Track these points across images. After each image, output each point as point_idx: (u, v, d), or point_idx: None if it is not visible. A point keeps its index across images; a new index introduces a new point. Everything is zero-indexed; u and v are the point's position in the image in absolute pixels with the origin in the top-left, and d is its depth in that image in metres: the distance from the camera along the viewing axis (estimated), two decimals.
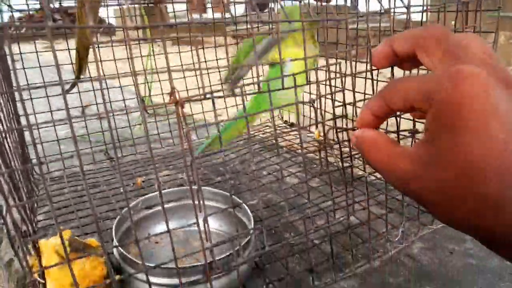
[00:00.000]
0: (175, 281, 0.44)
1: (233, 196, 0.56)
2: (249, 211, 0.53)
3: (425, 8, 0.54)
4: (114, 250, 0.48)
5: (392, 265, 0.55)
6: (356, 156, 0.53)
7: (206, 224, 0.40)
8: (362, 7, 0.86)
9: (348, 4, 0.51)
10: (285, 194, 0.73)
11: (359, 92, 0.61)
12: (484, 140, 0.22)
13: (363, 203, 0.64)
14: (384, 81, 0.62)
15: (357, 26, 0.80)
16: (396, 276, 0.53)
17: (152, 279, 0.43)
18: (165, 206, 0.58)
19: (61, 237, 0.35)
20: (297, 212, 0.68)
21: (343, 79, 0.46)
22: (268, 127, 1.10)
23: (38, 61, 0.84)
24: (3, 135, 0.54)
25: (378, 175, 0.78)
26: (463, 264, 0.55)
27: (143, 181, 0.80)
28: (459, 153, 0.23)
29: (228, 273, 0.47)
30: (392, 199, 0.69)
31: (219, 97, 0.43)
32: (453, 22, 0.61)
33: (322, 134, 0.45)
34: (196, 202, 0.40)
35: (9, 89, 0.68)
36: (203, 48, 1.04)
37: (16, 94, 0.65)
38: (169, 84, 0.37)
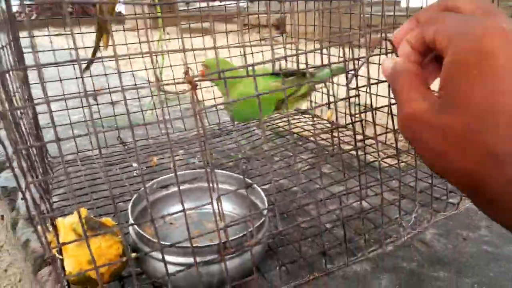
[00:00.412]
0: (189, 260, 0.44)
1: (245, 178, 0.56)
2: (262, 193, 0.53)
3: None
4: (130, 229, 0.48)
5: (405, 250, 0.55)
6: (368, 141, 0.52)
7: (219, 204, 0.41)
8: None
9: None
10: (298, 179, 0.73)
11: (373, 79, 0.61)
12: (509, 88, 0.22)
13: (376, 188, 0.64)
14: None
15: (371, 11, 0.79)
16: (409, 261, 0.53)
17: (167, 258, 0.43)
18: (181, 187, 0.58)
19: (79, 214, 0.36)
20: (308, 197, 0.68)
21: (356, 62, 0.46)
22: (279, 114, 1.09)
23: (51, 46, 0.85)
24: (20, 115, 0.55)
25: (390, 162, 0.78)
26: (477, 251, 0.55)
27: (156, 165, 0.80)
28: (475, 97, 0.23)
29: (241, 254, 0.47)
30: (405, 186, 0.69)
31: (233, 77, 0.43)
32: None
33: (334, 115, 0.45)
34: (210, 184, 0.40)
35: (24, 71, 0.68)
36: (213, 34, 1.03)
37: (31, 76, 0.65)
38: (184, 62, 0.37)
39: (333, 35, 0.72)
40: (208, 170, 0.41)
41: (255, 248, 0.47)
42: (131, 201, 0.52)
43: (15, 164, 0.33)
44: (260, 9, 1.08)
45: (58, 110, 0.84)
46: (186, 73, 0.38)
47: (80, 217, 0.37)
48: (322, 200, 0.50)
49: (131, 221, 0.49)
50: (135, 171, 0.79)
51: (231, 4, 1.10)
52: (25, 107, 0.48)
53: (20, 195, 0.75)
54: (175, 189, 0.59)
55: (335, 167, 0.77)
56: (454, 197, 0.65)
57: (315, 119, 1.09)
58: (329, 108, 0.43)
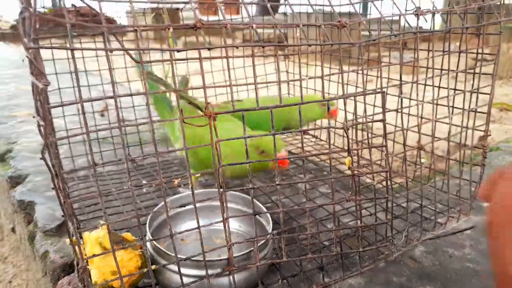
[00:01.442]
0: (202, 272, 0.49)
1: (254, 201, 0.61)
2: (269, 215, 0.59)
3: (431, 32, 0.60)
4: (148, 244, 0.53)
5: (395, 266, 0.60)
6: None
7: (227, 224, 0.46)
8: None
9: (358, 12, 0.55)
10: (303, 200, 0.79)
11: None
12: None
13: (371, 209, 0.70)
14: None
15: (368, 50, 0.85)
16: (400, 276, 0.58)
17: (182, 270, 0.48)
18: (189, 206, 0.64)
19: (108, 229, 0.41)
20: (309, 216, 0.73)
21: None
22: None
23: (53, 56, 0.85)
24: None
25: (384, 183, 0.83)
26: (462, 267, 0.60)
27: (178, 186, 0.82)
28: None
29: (248, 268, 0.52)
30: (397, 206, 0.74)
31: (248, 110, 0.48)
32: (457, 44, 0.66)
33: (352, 162, 0.50)
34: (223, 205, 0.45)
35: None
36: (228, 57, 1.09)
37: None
38: (204, 97, 0.42)
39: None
40: (221, 191, 0.46)
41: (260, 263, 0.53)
42: (149, 217, 0.57)
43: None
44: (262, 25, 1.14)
45: (73, 128, 0.89)
46: (206, 108, 0.43)
47: (109, 232, 0.43)
48: (318, 220, 0.56)
49: (149, 236, 0.54)
50: (145, 188, 0.84)
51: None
52: (64, 138, 0.53)
53: (36, 209, 0.79)
54: (186, 207, 0.64)
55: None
56: (442, 218, 0.70)
57: (314, 139, 1.14)
58: (349, 154, 0.48)
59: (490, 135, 0.69)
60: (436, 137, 0.63)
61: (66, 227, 0.41)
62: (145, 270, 0.47)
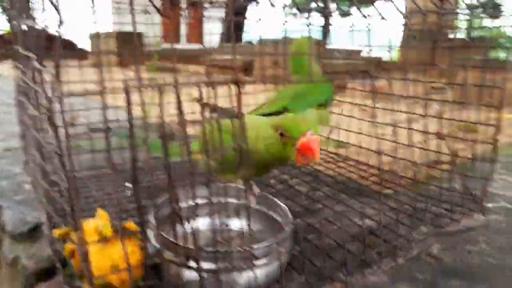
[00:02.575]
0: (215, 266, 0.43)
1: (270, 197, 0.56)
2: (288, 212, 0.53)
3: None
4: (152, 236, 0.46)
5: (416, 263, 0.56)
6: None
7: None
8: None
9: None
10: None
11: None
12: None
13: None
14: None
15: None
16: (423, 272, 0.54)
17: (191, 264, 0.42)
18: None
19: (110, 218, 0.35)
20: (332, 216, 0.68)
21: None
22: None
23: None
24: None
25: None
26: (482, 262, 0.57)
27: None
28: None
29: (268, 264, 0.46)
30: (410, 206, 0.71)
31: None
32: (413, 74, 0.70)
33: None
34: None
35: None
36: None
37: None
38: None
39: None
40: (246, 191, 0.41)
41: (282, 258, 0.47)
42: (153, 211, 0.50)
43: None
44: (228, 52, 1.12)
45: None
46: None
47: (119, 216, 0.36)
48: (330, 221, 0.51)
49: (154, 223, 0.47)
50: (129, 192, 0.76)
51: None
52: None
53: (4, 213, 0.69)
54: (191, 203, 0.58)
55: (333, 188, 0.79)
56: (456, 214, 0.68)
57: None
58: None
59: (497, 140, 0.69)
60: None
61: (48, 220, 0.33)
62: (146, 263, 0.40)
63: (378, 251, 0.56)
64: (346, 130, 0.94)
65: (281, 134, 0.55)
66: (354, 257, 0.55)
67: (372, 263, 0.54)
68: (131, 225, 0.45)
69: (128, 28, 0.46)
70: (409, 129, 0.68)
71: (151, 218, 0.48)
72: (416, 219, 0.66)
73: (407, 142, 0.68)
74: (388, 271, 0.54)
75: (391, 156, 0.71)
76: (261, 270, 0.46)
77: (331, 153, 1.04)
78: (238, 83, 0.40)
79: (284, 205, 0.55)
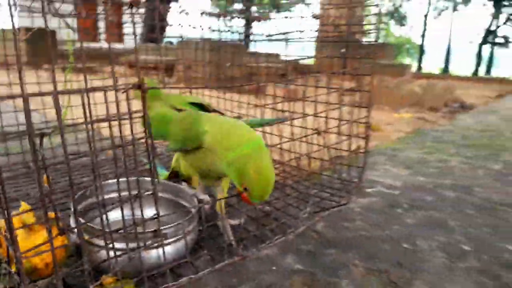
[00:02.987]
0: (131, 245, 0.50)
1: (179, 186, 0.65)
2: (195, 198, 0.62)
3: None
4: (72, 223, 0.53)
5: (302, 237, 0.68)
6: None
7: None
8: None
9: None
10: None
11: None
12: None
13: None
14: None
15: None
16: (307, 244, 0.66)
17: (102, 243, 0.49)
18: (112, 195, 0.64)
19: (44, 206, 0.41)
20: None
21: None
22: None
23: None
24: None
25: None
26: (356, 236, 0.70)
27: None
28: None
29: (176, 241, 0.55)
30: (301, 193, 0.83)
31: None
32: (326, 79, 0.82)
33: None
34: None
35: None
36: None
37: None
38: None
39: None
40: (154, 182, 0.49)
41: (188, 237, 0.56)
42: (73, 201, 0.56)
43: None
44: (150, 52, 1.17)
45: None
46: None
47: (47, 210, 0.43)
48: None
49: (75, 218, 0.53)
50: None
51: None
52: None
53: None
54: (109, 196, 0.64)
55: None
56: (338, 198, 0.81)
57: None
58: None
59: (369, 135, 0.83)
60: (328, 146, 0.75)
61: None
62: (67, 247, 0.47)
63: (270, 229, 0.67)
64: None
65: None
66: (251, 235, 0.66)
67: (266, 239, 0.65)
68: (51, 214, 0.51)
69: (39, 24, 0.49)
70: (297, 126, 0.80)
71: (71, 208, 0.54)
72: (305, 202, 0.78)
73: (304, 139, 0.79)
74: (279, 245, 0.65)
75: (290, 151, 0.84)
76: (170, 248, 0.54)
77: None
78: (142, 88, 0.48)
79: (191, 192, 0.64)
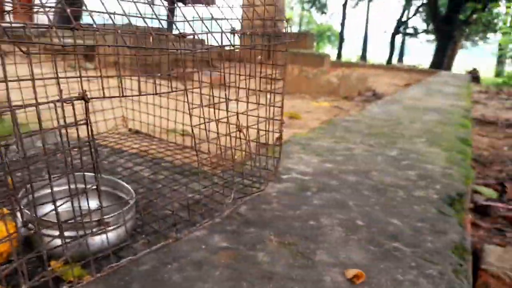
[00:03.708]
0: (75, 234, 0.58)
1: (113, 178, 0.73)
2: (132, 191, 0.71)
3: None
4: (19, 217, 0.59)
5: (228, 220, 0.80)
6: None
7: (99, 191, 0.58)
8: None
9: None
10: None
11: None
12: None
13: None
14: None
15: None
16: (231, 225, 0.78)
17: (55, 233, 0.56)
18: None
19: None
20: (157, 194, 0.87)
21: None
22: (115, 134, 1.24)
23: None
24: None
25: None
26: (272, 216, 0.83)
27: None
28: None
29: (117, 228, 0.63)
30: (226, 181, 0.95)
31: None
32: (259, 57, 0.91)
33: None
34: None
35: None
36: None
37: None
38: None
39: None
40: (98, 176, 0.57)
41: (127, 224, 0.65)
42: (20, 194, 0.62)
43: None
44: (66, 35, 1.15)
45: None
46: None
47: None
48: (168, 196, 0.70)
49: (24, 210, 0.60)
50: None
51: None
52: None
53: None
54: (46, 192, 0.70)
55: (172, 172, 0.99)
56: (257, 184, 0.94)
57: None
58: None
59: (282, 132, 0.96)
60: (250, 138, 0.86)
61: None
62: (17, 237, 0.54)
63: (200, 213, 0.78)
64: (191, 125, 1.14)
65: None
66: (183, 220, 0.76)
67: (196, 223, 0.76)
68: (4, 210, 0.57)
69: None
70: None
71: (21, 203, 0.61)
72: (230, 189, 0.90)
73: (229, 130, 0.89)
74: (207, 227, 0.76)
75: (216, 144, 0.94)
76: (112, 234, 0.63)
77: (171, 143, 1.23)
78: (85, 99, 0.56)
79: (127, 186, 0.73)
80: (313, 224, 0.81)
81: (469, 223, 0.95)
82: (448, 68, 11.48)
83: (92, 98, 0.56)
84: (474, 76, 7.35)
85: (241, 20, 0.91)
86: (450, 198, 1.00)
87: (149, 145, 1.21)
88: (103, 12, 0.62)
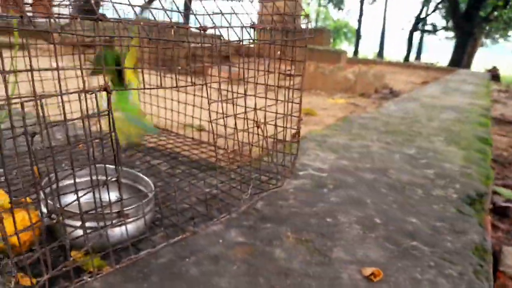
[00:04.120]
0: (96, 224, 0.59)
1: (133, 171, 0.73)
2: (151, 183, 0.71)
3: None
4: (43, 207, 0.60)
5: (245, 215, 0.80)
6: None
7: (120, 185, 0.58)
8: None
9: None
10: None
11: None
12: None
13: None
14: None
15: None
16: (248, 220, 0.78)
17: (77, 224, 0.57)
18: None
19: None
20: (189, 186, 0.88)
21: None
22: None
23: None
24: None
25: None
26: (289, 212, 0.83)
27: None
28: None
29: (136, 220, 0.64)
30: (243, 176, 0.95)
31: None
32: (278, 53, 0.91)
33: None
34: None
35: None
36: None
37: None
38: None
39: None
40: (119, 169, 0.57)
41: (147, 216, 0.65)
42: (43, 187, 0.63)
43: None
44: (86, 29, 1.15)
45: None
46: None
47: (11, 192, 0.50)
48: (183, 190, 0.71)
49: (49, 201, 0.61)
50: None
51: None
52: None
53: None
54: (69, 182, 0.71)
55: (190, 166, 0.99)
56: (274, 181, 0.94)
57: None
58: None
59: (300, 129, 0.95)
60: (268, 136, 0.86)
61: None
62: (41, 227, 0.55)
63: (217, 208, 0.78)
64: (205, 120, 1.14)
65: None
66: (200, 214, 0.77)
67: (213, 218, 0.76)
68: (27, 199, 0.58)
69: None
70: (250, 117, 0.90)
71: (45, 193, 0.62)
72: (247, 185, 0.90)
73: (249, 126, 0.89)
74: (224, 222, 0.76)
75: (234, 140, 0.94)
76: (131, 226, 0.63)
77: (188, 137, 1.24)
78: (107, 90, 0.56)
79: (147, 179, 0.73)
80: (330, 221, 0.81)
81: (489, 223, 0.94)
82: (468, 66, 11.28)
83: (113, 89, 0.57)
84: (493, 74, 7.20)
85: (260, 15, 0.91)
86: (469, 198, 0.99)
87: (167, 139, 1.22)
88: (125, 4, 0.63)
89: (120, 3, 0.63)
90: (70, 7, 1.08)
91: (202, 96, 1.09)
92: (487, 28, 14.07)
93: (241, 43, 0.76)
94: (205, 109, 1.10)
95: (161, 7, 0.66)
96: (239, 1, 0.85)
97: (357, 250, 0.71)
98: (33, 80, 0.47)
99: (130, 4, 0.62)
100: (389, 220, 0.84)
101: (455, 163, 1.26)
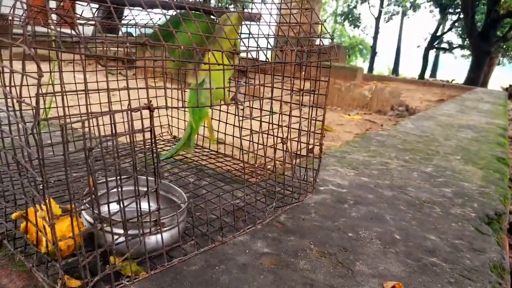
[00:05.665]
0: (134, 232, 0.63)
1: (168, 183, 0.78)
2: (184, 195, 0.76)
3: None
4: (85, 215, 0.64)
5: (268, 227, 0.84)
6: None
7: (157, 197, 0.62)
8: None
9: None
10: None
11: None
12: None
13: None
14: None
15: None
16: (272, 232, 0.81)
17: (117, 231, 0.61)
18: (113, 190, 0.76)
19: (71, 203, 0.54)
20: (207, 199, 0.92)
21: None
22: (160, 140, 1.30)
23: None
24: None
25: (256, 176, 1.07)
26: (311, 226, 0.86)
27: None
28: None
29: (170, 229, 0.68)
30: (266, 190, 0.99)
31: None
32: (303, 73, 0.95)
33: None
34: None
35: None
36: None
37: None
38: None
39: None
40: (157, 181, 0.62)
41: (180, 225, 0.69)
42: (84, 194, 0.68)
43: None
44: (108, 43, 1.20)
45: None
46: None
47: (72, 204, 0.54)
48: (210, 201, 0.75)
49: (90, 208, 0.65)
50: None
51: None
52: None
53: None
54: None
55: (215, 178, 1.04)
56: (297, 195, 0.97)
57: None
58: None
59: (322, 144, 0.99)
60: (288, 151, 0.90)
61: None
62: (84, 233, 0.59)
63: (243, 220, 0.82)
64: (224, 132, 1.19)
65: None
66: (227, 225, 0.80)
67: (239, 228, 0.80)
68: (73, 207, 0.63)
69: None
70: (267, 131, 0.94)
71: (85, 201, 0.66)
72: (271, 198, 0.94)
73: (267, 140, 0.94)
74: (250, 233, 0.80)
75: (255, 153, 0.98)
76: (166, 234, 0.67)
77: (212, 151, 1.28)
78: (150, 109, 0.61)
79: (179, 190, 0.78)
80: (351, 235, 0.84)
81: (507, 243, 0.96)
82: (484, 84, 11.20)
83: (156, 107, 0.62)
84: (511, 93, 7.15)
85: (286, 37, 0.95)
86: (488, 217, 1.01)
87: (193, 152, 1.27)
88: (154, 14, 0.67)
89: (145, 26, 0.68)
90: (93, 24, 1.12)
91: (227, 112, 1.13)
92: (504, 47, 13.99)
93: (271, 63, 0.80)
94: (229, 124, 1.15)
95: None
96: (268, 24, 0.89)
97: (379, 264, 0.74)
98: (88, 102, 0.52)
99: (172, 30, 0.67)
100: (408, 236, 0.86)
101: (473, 183, 1.28)
